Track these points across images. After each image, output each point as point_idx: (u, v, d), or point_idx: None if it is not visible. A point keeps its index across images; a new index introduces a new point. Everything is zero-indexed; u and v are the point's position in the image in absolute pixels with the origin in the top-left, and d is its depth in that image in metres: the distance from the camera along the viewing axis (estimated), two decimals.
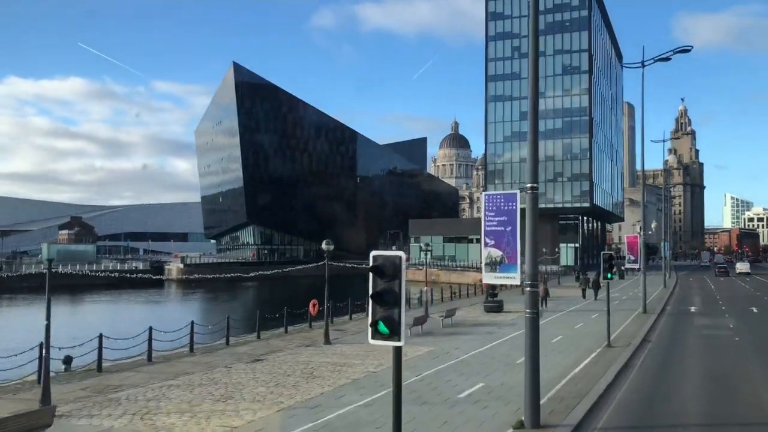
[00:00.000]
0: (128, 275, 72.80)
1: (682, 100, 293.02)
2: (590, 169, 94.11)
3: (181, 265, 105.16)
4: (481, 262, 24.36)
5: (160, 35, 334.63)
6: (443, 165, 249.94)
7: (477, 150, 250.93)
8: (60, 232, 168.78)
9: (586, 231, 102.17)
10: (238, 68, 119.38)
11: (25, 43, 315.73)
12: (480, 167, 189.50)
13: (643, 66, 35.32)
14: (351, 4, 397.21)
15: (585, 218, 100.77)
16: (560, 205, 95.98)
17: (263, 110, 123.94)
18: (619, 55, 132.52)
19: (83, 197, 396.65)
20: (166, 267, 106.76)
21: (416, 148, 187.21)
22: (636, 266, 39.25)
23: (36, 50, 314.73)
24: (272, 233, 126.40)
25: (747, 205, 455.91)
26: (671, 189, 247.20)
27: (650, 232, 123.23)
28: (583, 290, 47.72)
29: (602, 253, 25.09)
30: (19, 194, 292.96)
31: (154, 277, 55.98)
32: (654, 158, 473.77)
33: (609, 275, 22.18)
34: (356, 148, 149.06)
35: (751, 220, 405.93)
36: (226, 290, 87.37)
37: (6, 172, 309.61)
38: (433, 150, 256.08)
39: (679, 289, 57.38)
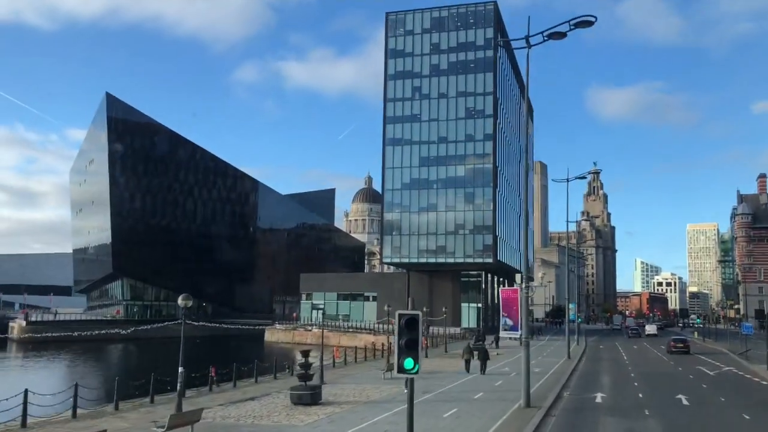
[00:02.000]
0: None
1: (595, 164, 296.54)
2: (494, 221, 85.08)
3: (24, 323, 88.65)
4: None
5: (77, 82, 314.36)
6: (355, 219, 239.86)
7: None
8: None
9: (490, 290, 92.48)
10: (112, 101, 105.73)
11: None
12: None
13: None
14: (275, 61, 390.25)
15: (489, 276, 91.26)
16: (461, 260, 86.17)
17: (141, 149, 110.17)
18: (530, 109, 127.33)
19: None
20: (10, 324, 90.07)
21: (323, 199, 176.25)
22: (515, 334, 28.45)
23: None
24: (144, 287, 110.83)
25: (656, 270, 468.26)
26: (583, 251, 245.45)
27: (562, 296, 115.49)
28: (467, 361, 37.14)
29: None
30: None
31: None
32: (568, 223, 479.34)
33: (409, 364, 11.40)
34: (256, 198, 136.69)
35: (660, 284, 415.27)
36: (83, 352, 74.53)
37: None
38: (347, 205, 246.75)
39: (586, 361, 47.30)
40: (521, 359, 22.93)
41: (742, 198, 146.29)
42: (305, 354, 24.05)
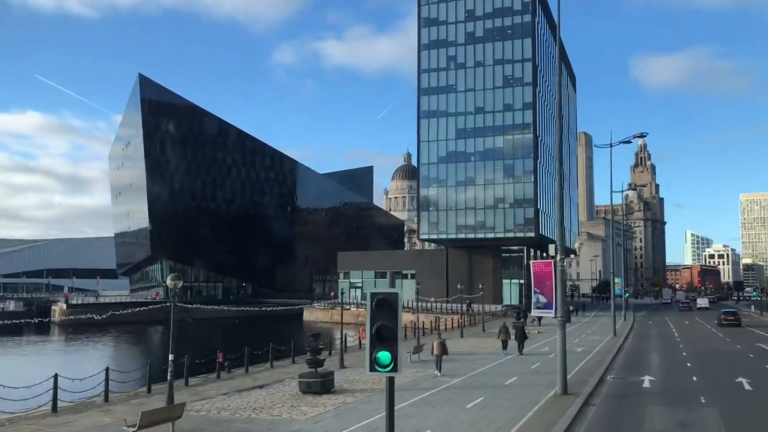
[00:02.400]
0: None
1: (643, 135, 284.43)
2: (535, 193, 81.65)
3: (64, 306, 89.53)
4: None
5: (120, 68, 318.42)
6: (395, 197, 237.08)
7: None
8: None
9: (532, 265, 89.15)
10: (145, 82, 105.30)
11: None
12: None
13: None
14: (313, 41, 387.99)
15: (532, 251, 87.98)
16: (501, 235, 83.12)
17: (175, 130, 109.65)
18: (572, 77, 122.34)
19: (41, 234, 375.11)
20: (52, 308, 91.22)
21: (361, 178, 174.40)
22: (548, 313, 25.57)
23: None
24: (183, 269, 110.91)
25: (707, 242, 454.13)
26: (631, 225, 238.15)
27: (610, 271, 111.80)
28: (504, 342, 34.64)
29: None
30: None
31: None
32: (615, 196, 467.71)
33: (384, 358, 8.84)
34: (294, 178, 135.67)
35: (711, 257, 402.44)
36: (119, 335, 74.95)
37: None
38: (387, 183, 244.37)
39: (634, 338, 44.27)
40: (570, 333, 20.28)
41: None
42: (314, 337, 21.93)
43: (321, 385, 19.91)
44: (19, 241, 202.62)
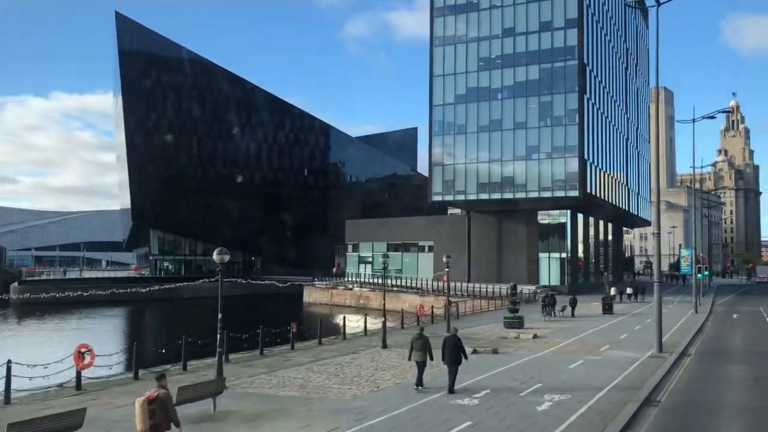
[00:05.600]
0: None
1: (734, 94, 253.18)
2: (581, 139, 61.43)
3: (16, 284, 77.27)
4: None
5: (209, 43, 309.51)
6: None
7: None
8: None
9: (580, 234, 69.04)
10: (123, 23, 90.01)
11: (67, 56, 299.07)
12: None
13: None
14: (384, 12, 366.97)
15: (579, 215, 67.90)
16: (536, 195, 63.56)
17: (165, 83, 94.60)
18: (644, 11, 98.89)
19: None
20: (12, 285, 78.98)
21: (405, 140, 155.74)
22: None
23: (77, 64, 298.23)
24: (176, 241, 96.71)
25: None
26: (720, 195, 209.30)
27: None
28: (418, 364, 16.42)
29: None
30: (71, 207, 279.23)
31: None
32: (701, 160, 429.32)
33: None
34: (323, 141, 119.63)
35: None
36: (73, 317, 61.99)
37: (56, 186, 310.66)
38: None
39: (696, 359, 24.62)
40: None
41: None
42: None
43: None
44: (55, 213, 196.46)
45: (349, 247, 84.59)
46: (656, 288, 22.11)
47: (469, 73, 67.02)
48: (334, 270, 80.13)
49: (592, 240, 73.95)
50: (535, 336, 28.61)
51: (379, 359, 22.45)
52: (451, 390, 16.60)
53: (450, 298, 53.81)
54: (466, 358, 17.26)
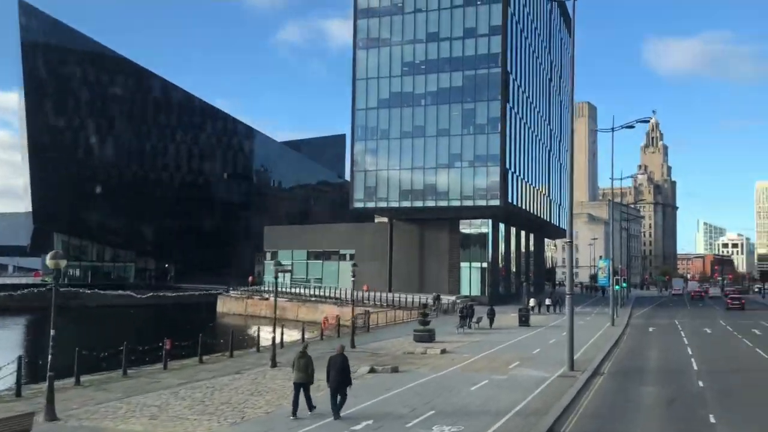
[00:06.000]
0: None
1: (654, 112, 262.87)
2: (503, 148, 60.51)
3: None
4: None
5: (125, 40, 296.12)
6: None
7: None
8: None
9: (502, 244, 68.17)
10: (26, 9, 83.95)
11: None
12: None
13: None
14: (318, 19, 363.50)
15: (500, 225, 66.96)
16: (458, 204, 62.24)
17: (70, 76, 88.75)
18: (565, 16, 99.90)
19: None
20: None
21: (332, 147, 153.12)
22: None
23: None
24: (83, 245, 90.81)
25: (720, 232, 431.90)
26: (640, 209, 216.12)
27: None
28: (297, 387, 13.79)
29: None
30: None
31: None
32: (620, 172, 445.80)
33: None
34: (243, 144, 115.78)
35: (725, 245, 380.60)
36: None
37: None
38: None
39: (607, 380, 23.06)
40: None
41: None
42: None
43: None
44: None
45: (268, 255, 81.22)
46: (568, 301, 20.39)
47: (392, 78, 65.24)
48: (251, 279, 76.58)
49: (513, 250, 73.29)
50: (443, 351, 26.57)
51: (262, 381, 19.81)
52: (336, 417, 14.25)
53: (369, 309, 51.85)
54: (350, 382, 14.90)
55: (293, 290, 67.82)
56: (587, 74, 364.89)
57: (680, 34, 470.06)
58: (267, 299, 69.29)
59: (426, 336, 29.66)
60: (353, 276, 31.44)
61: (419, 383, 19.33)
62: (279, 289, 71.69)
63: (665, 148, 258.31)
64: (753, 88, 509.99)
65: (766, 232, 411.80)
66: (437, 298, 54.22)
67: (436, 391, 18.12)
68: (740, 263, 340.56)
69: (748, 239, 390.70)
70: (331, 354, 15.92)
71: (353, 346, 27.96)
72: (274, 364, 22.53)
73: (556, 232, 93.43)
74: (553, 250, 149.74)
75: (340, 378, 14.54)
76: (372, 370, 21.35)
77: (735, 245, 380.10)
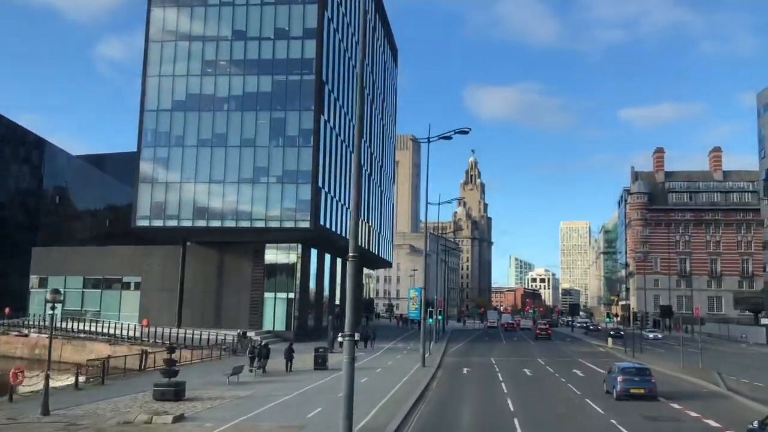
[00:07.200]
0: None
1: (473, 151, 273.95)
2: (315, 164, 53.76)
3: None
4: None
5: None
6: None
7: None
8: None
9: (312, 271, 60.96)
10: None
11: None
12: None
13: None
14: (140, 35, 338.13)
15: (311, 251, 59.78)
16: (263, 225, 54.25)
17: None
18: (392, 45, 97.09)
19: None
20: None
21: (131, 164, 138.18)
22: None
23: None
24: None
25: (530, 267, 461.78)
26: (458, 243, 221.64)
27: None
28: None
29: None
30: None
31: None
32: (443, 212, 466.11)
33: None
34: (27, 156, 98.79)
35: (533, 280, 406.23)
36: None
37: None
38: None
39: (418, 429, 16.47)
40: None
41: (637, 175, 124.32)
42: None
43: None
44: None
45: (34, 282, 67.46)
46: (347, 347, 13.34)
47: (191, 77, 56.33)
48: (6, 311, 62.33)
49: (327, 279, 66.38)
50: (179, 418, 18.30)
51: None
52: None
53: (147, 349, 42.06)
54: None
55: (63, 324, 55.64)
56: (413, 109, 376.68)
57: (498, 82, 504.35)
58: (27, 336, 56.34)
59: (170, 392, 21.22)
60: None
61: None
62: (42, 323, 59.73)
63: (482, 186, 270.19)
64: (560, 137, 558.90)
65: (569, 268, 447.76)
66: (243, 335, 45.81)
67: None
68: (547, 296, 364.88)
69: (554, 274, 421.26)
70: None
71: (46, 412, 18.87)
72: None
73: (377, 262, 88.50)
74: (375, 282, 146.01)
75: None
76: None
77: (542, 280, 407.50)
